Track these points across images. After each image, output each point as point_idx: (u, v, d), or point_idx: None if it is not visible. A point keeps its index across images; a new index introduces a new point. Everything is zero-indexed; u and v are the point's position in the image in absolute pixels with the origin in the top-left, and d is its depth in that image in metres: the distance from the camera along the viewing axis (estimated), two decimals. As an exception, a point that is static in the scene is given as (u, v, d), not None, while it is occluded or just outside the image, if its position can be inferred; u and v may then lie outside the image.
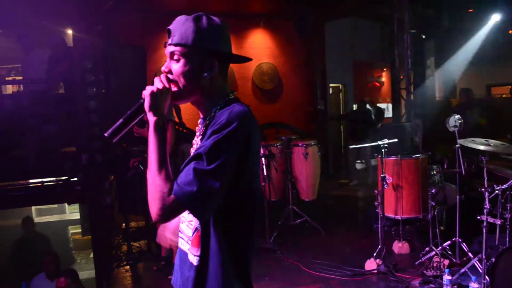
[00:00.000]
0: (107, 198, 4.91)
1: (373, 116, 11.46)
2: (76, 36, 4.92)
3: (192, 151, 1.49)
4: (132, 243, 5.26)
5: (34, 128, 4.75)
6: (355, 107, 10.82)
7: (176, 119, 7.56)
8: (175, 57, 1.42)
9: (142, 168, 4.72)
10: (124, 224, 5.42)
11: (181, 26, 1.42)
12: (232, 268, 1.40)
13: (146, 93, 1.38)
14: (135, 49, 5.41)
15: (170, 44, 1.42)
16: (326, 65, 9.81)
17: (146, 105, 1.37)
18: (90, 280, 5.39)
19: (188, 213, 1.35)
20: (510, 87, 11.22)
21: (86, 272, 6.31)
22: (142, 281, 4.61)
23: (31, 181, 4.60)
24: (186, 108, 8.09)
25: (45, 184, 4.44)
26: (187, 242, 1.48)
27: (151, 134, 1.37)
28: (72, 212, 7.23)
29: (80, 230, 7.08)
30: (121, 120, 1.43)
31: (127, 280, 4.60)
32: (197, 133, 1.54)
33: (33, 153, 4.67)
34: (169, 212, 1.29)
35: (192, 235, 1.43)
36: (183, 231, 1.52)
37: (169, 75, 1.42)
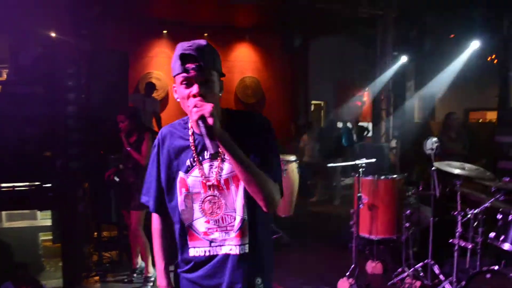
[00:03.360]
0: (80, 205, 4.80)
1: (354, 135, 11.57)
2: (59, 39, 4.87)
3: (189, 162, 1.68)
4: (103, 253, 5.15)
5: (13, 130, 4.64)
6: (340, 124, 10.92)
7: (156, 128, 7.51)
8: (203, 80, 1.53)
9: (117, 179, 4.65)
10: (96, 233, 5.31)
11: (205, 53, 1.54)
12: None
13: (204, 125, 1.46)
14: (118, 55, 5.36)
15: (198, 69, 1.50)
16: (309, 82, 9.90)
17: (211, 137, 1.46)
18: (59, 289, 5.24)
19: (243, 205, 1.63)
20: (487, 112, 11.51)
21: (55, 281, 6.13)
22: (111, 293, 4.51)
23: (2, 185, 4.47)
24: (166, 119, 8.05)
25: (16, 189, 4.31)
26: (229, 236, 1.66)
27: (230, 152, 1.50)
28: (44, 218, 7.03)
29: (51, 237, 6.90)
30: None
31: (96, 291, 4.49)
32: (192, 144, 1.69)
33: (9, 156, 4.55)
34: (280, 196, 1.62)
35: (239, 225, 1.64)
36: (222, 228, 1.67)
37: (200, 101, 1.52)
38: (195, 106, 1.47)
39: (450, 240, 3.73)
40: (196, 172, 1.66)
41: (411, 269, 4.31)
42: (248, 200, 1.63)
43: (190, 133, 1.69)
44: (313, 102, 10.58)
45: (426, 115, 11.59)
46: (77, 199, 4.79)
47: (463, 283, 3.42)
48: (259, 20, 8.92)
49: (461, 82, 9.24)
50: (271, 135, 1.69)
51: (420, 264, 4.32)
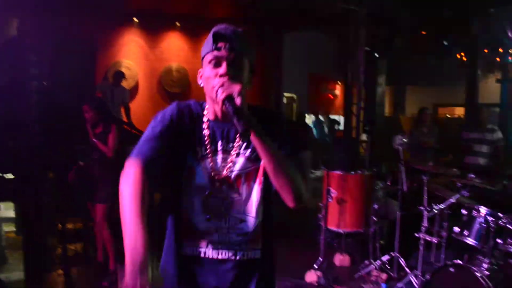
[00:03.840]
0: (43, 197, 4.65)
1: (326, 128, 11.66)
2: (22, 27, 4.67)
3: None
4: (68, 245, 5.01)
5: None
6: (308, 118, 10.96)
7: (125, 119, 7.34)
8: (233, 62, 1.45)
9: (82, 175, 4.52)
10: (60, 226, 5.16)
11: (240, 37, 1.48)
12: None
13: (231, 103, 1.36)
14: (84, 44, 5.20)
15: (229, 48, 1.45)
16: (282, 74, 9.88)
17: (239, 119, 1.33)
18: (21, 281, 5.10)
19: (256, 207, 1.53)
20: (455, 108, 11.80)
21: (17, 273, 5.96)
22: (75, 286, 4.39)
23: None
24: (135, 109, 7.88)
25: (-26, 180, 4.14)
26: (237, 239, 1.52)
27: (258, 136, 1.38)
28: (7, 209, 6.83)
29: (14, 229, 6.70)
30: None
31: (59, 285, 4.37)
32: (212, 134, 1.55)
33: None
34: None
35: (252, 229, 1.53)
36: (227, 229, 1.53)
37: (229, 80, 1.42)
38: (222, 85, 1.38)
39: (416, 234, 3.78)
40: (206, 162, 1.51)
41: (378, 262, 4.37)
42: (264, 201, 1.53)
43: (205, 120, 1.55)
44: (285, 94, 10.58)
45: (397, 110, 11.80)
46: (40, 191, 4.64)
47: (428, 276, 3.47)
48: (233, 11, 8.81)
49: (431, 78, 9.44)
50: (293, 132, 1.57)
51: (387, 256, 4.38)
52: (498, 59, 9.16)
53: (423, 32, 7.80)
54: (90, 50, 5.33)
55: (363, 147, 6.91)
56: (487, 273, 3.07)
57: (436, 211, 3.72)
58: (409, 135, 6.36)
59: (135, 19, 8.39)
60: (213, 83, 1.42)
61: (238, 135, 1.50)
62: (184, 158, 1.52)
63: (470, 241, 3.37)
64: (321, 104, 11.80)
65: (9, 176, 4.42)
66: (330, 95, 12.46)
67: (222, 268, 1.52)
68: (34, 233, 4.49)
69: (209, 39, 1.48)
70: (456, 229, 3.52)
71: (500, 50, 8.86)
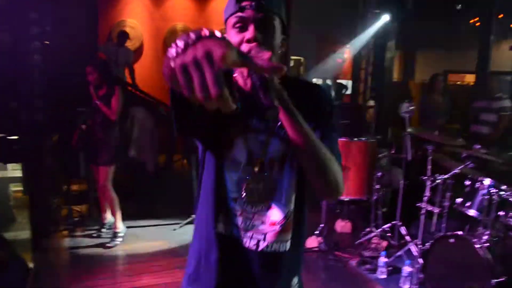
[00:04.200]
0: (47, 159, 4.67)
1: (333, 92, 11.50)
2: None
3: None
4: (73, 207, 5.08)
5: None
6: (316, 81, 10.80)
7: (129, 80, 7.27)
8: (262, 23, 1.22)
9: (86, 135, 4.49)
10: (65, 187, 5.22)
11: None
12: None
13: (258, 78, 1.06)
14: (87, 4, 5.08)
15: (256, 7, 1.20)
16: (289, 37, 9.66)
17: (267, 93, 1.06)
18: (28, 240, 5.21)
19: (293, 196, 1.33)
20: (466, 75, 11.54)
21: (26, 232, 6.09)
22: (79, 247, 4.48)
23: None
24: (140, 70, 7.79)
25: (-22, 141, 4.16)
26: (269, 232, 1.31)
27: (290, 115, 1.14)
28: (14, 169, 6.92)
29: (21, 189, 6.81)
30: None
31: (64, 245, 4.46)
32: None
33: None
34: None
35: (283, 218, 1.31)
36: (253, 215, 1.32)
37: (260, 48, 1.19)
38: (249, 52, 1.16)
39: (418, 204, 3.78)
40: (241, 141, 1.31)
41: (379, 229, 4.40)
42: (298, 189, 1.33)
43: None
44: (292, 57, 10.38)
45: (406, 75, 11.58)
46: (44, 153, 4.65)
47: (427, 245, 3.49)
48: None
49: (442, 43, 9.19)
50: (333, 113, 1.36)
51: (388, 224, 4.40)
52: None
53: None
54: (93, 8, 5.18)
55: (370, 114, 6.83)
56: (487, 244, 3.07)
57: (439, 182, 3.69)
58: (420, 102, 6.28)
59: (140, -23, 8.18)
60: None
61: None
62: (225, 124, 1.30)
63: (472, 212, 3.36)
64: (329, 67, 11.59)
65: (13, 137, 4.42)
66: (338, 59, 12.21)
67: (244, 257, 1.32)
68: (39, 194, 4.54)
69: None
70: (459, 200, 3.50)
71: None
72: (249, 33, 1.20)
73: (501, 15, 8.04)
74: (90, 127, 4.40)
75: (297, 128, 1.15)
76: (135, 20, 8.36)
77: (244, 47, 1.19)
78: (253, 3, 1.20)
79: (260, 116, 1.22)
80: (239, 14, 1.22)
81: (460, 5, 6.60)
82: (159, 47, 8.72)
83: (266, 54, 1.12)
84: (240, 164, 1.30)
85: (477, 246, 3.04)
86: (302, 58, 10.98)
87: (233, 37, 1.23)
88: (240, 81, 1.30)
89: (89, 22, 5.02)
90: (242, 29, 1.23)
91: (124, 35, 7.23)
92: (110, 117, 4.23)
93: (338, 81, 11.64)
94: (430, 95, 6.02)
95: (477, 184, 3.36)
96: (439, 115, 5.90)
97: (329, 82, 11.61)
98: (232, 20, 1.23)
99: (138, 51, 8.42)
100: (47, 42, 4.76)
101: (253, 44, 1.19)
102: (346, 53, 12.37)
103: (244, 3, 1.21)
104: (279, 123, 1.24)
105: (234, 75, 1.24)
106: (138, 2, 8.37)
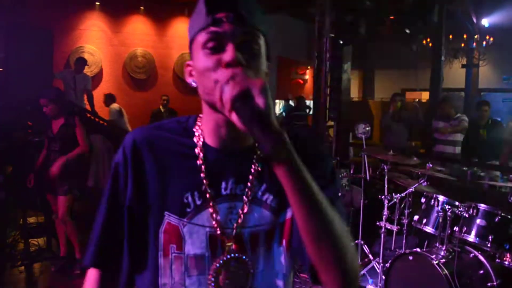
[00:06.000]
0: (0, 192, 4.50)
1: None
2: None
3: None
4: (30, 240, 4.88)
5: None
6: (278, 102, 10.94)
7: (88, 107, 7.15)
8: (244, 41, 0.91)
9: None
10: (22, 220, 5.02)
11: (250, 1, 0.94)
12: None
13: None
14: (41, 32, 5.00)
15: (237, 20, 0.90)
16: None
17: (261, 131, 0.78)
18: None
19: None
20: (421, 92, 11.96)
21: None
22: (38, 283, 4.30)
23: None
24: (99, 97, 7.69)
25: None
26: None
27: (293, 168, 0.81)
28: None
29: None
30: None
31: (20, 283, 4.27)
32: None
33: None
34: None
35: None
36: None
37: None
38: (232, 78, 0.80)
39: (377, 223, 3.85)
40: (200, 218, 0.96)
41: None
42: (292, 273, 1.03)
43: (198, 143, 1.00)
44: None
45: (366, 94, 11.91)
46: (-2, 186, 4.49)
47: (387, 265, 3.55)
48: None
49: (398, 63, 9.56)
50: (334, 170, 1.05)
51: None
52: (462, 44, 9.34)
53: (392, 17, 7.84)
54: (48, 35, 5.11)
55: (329, 134, 6.97)
56: (443, 260, 3.15)
57: (396, 200, 3.78)
58: (381, 121, 6.54)
59: (97, 3, 8.13)
60: (215, 76, 0.87)
61: (254, 168, 0.99)
62: (162, 213, 0.97)
63: (428, 229, 3.45)
64: (291, 88, 11.79)
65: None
66: (299, 80, 12.45)
67: None
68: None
69: (200, 7, 0.94)
70: (416, 217, 3.59)
71: (465, 36, 9.04)
72: (228, 54, 0.88)
73: (451, 36, 8.46)
74: (46, 157, 4.29)
75: (304, 189, 0.82)
76: (94, 46, 8.28)
77: (222, 74, 0.83)
78: (231, 15, 0.90)
79: (236, 176, 0.98)
80: (213, 29, 0.90)
81: (408, 30, 6.91)
82: (118, 73, 8.65)
83: (257, 81, 0.80)
84: (203, 256, 0.96)
85: (434, 262, 3.11)
86: (263, 80, 11.12)
87: (204, 60, 0.92)
88: (210, 126, 0.99)
89: (43, 48, 4.94)
90: (217, 49, 0.90)
91: (82, 62, 7.14)
92: (86, 152, 4.17)
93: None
94: (391, 114, 6.27)
95: (432, 201, 3.47)
96: (400, 135, 6.16)
97: (291, 102, 11.80)
98: (203, 37, 0.92)
99: (98, 77, 8.32)
100: (0, 69, 4.65)
101: (237, 68, 0.85)
102: (307, 74, 12.65)
103: (219, 15, 0.90)
104: (263, 186, 0.99)
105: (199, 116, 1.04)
106: (96, 28, 8.31)
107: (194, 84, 0.98)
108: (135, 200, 0.99)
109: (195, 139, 1.01)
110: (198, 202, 0.96)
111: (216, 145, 0.99)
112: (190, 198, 0.96)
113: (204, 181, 0.96)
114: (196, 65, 0.95)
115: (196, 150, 0.99)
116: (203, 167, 0.97)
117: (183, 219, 0.96)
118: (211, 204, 0.96)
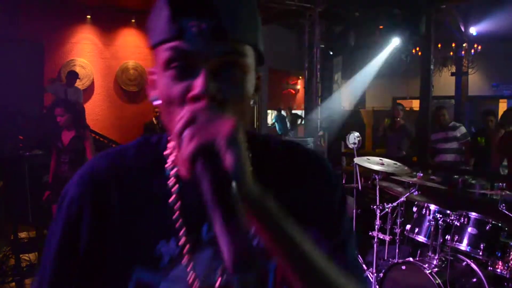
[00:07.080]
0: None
1: (288, 123, 11.72)
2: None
3: None
4: (21, 255, 4.83)
5: None
6: (270, 113, 10.98)
7: (80, 121, 7.13)
8: (222, 63, 0.66)
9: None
10: (12, 235, 4.98)
11: (235, 3, 0.68)
12: None
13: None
14: (32, 45, 5.01)
15: (213, 33, 0.64)
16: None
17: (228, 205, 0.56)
18: (-28, 295, 4.90)
19: None
20: (412, 100, 12.06)
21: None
22: (29, 298, 4.26)
23: None
24: (91, 110, 7.68)
25: None
26: None
27: (278, 240, 0.63)
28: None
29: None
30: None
31: (11, 298, 4.22)
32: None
33: None
34: None
35: None
36: None
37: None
38: (191, 122, 0.60)
39: (370, 233, 3.86)
40: (178, 269, 0.74)
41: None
42: None
43: (172, 174, 0.77)
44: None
45: (357, 103, 11.98)
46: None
47: (381, 275, 3.55)
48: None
49: (388, 72, 9.64)
50: (344, 198, 0.84)
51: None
52: (451, 53, 9.46)
53: (381, 27, 7.94)
54: (39, 49, 5.12)
55: (321, 144, 7.00)
56: (436, 269, 3.16)
57: (388, 210, 3.80)
58: (380, 130, 6.68)
59: (88, 16, 8.15)
60: (177, 111, 0.66)
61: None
62: (129, 266, 0.75)
63: (421, 238, 3.47)
64: (282, 99, 11.85)
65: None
66: (291, 90, 12.52)
67: None
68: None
69: (160, 9, 0.69)
70: (408, 226, 3.61)
71: (453, 45, 9.16)
72: (197, 84, 0.64)
73: (440, 45, 8.57)
74: (56, 169, 4.34)
75: (289, 255, 0.64)
76: (85, 59, 8.28)
77: (185, 111, 0.62)
78: (204, 25, 0.64)
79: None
80: (179, 45, 0.65)
81: (398, 38, 7.00)
82: (110, 86, 8.64)
83: (226, 125, 0.58)
84: None
85: (427, 271, 3.12)
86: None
87: (168, 85, 0.68)
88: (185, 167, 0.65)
89: (34, 62, 4.94)
90: (186, 71, 0.66)
91: (74, 75, 7.13)
92: None
93: (293, 111, 11.90)
94: (390, 123, 6.43)
95: (424, 210, 3.49)
96: (400, 141, 6.29)
97: (283, 113, 11.85)
98: (165, 53, 0.67)
99: (89, 90, 8.31)
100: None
101: (203, 103, 0.63)
102: (299, 84, 12.72)
103: (188, 22, 0.65)
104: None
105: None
106: (87, 41, 8.32)
107: (157, 102, 0.72)
108: (94, 251, 0.75)
109: (168, 168, 0.77)
110: (175, 252, 0.74)
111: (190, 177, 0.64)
112: (164, 248, 0.74)
113: (181, 225, 0.74)
114: (158, 84, 0.71)
115: (170, 184, 0.75)
116: (178, 205, 0.74)
117: (157, 275, 0.74)
118: (187, 254, 0.73)
